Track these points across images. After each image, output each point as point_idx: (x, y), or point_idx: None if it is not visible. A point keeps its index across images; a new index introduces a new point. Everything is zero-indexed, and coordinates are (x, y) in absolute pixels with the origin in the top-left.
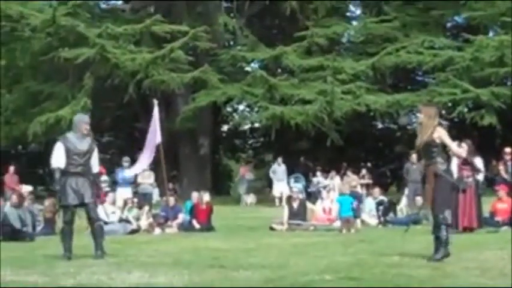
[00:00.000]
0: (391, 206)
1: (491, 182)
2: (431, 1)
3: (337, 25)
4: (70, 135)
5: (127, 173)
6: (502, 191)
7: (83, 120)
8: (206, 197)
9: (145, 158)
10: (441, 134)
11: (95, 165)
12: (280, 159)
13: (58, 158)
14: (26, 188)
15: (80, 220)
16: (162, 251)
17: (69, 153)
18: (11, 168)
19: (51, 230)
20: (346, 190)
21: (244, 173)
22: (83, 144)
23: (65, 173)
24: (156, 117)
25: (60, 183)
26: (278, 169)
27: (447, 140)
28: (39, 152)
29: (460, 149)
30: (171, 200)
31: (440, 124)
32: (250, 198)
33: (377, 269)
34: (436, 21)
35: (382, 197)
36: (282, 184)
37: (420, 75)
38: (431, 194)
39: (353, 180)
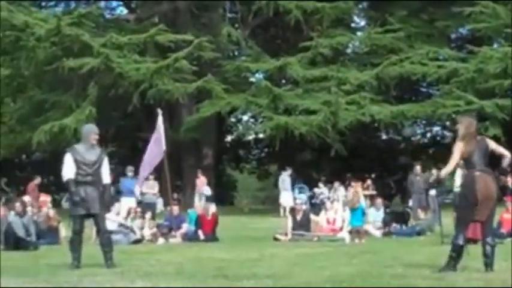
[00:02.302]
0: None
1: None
2: (436, 12)
3: (342, 36)
4: (79, 146)
5: (136, 189)
6: (508, 202)
7: (91, 131)
8: (212, 208)
9: (146, 168)
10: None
11: (106, 176)
12: (289, 169)
13: (68, 170)
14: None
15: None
16: (165, 261)
17: (77, 163)
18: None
19: (54, 239)
20: (357, 204)
21: (201, 186)
22: (92, 155)
23: (75, 182)
24: (160, 126)
25: (70, 192)
26: (286, 179)
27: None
28: (43, 161)
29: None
30: (175, 210)
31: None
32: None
33: (380, 280)
34: (441, 33)
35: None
36: (289, 194)
37: (424, 86)
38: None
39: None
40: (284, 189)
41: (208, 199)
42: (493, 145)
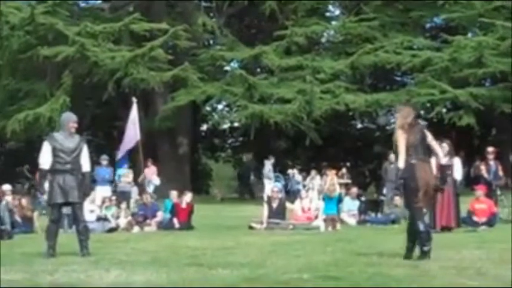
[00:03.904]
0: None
1: (473, 181)
2: (411, 2)
3: (317, 25)
4: (57, 134)
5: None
6: (479, 191)
7: (70, 119)
8: (188, 198)
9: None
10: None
11: (86, 164)
12: (271, 158)
13: (44, 158)
14: (5, 187)
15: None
16: (141, 249)
17: (55, 151)
18: None
19: (29, 228)
20: (334, 193)
21: (151, 175)
22: (71, 142)
23: (52, 171)
24: (135, 115)
25: (48, 181)
26: (268, 168)
27: None
28: (17, 150)
29: None
30: (148, 198)
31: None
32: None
33: (355, 268)
34: (415, 22)
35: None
36: (271, 182)
37: (399, 75)
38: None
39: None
40: (267, 177)
41: (157, 189)
42: (430, 137)
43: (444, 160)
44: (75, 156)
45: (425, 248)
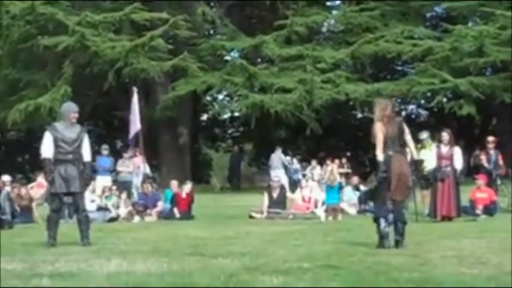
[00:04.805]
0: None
1: (473, 170)
2: None
3: (317, 14)
4: (58, 124)
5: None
6: (480, 181)
7: (71, 109)
8: (187, 188)
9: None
10: None
11: (87, 154)
12: (278, 147)
13: (46, 148)
14: (5, 178)
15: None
16: (141, 239)
17: (57, 141)
18: None
19: (29, 218)
20: (334, 182)
21: (139, 164)
22: (72, 133)
23: (54, 161)
24: (135, 105)
25: (45, 171)
26: (273, 157)
27: None
28: (18, 140)
29: None
30: (148, 188)
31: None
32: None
33: (355, 258)
34: (416, 11)
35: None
36: (277, 172)
37: (399, 64)
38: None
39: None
40: (274, 167)
41: (148, 178)
42: (406, 132)
43: (416, 155)
44: (76, 147)
45: (384, 243)
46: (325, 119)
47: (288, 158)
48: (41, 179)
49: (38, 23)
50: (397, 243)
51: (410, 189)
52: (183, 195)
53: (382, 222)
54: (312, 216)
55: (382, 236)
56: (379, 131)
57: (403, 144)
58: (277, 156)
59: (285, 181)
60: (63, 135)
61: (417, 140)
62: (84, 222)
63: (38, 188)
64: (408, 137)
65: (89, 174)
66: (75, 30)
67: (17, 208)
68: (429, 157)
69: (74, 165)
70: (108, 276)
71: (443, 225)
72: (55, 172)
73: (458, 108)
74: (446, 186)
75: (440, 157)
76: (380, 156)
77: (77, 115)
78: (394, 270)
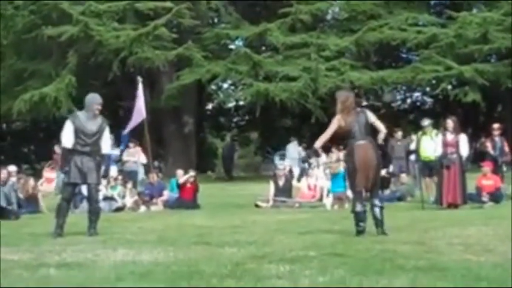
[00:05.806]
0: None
1: (479, 157)
2: None
3: (321, 2)
4: (80, 114)
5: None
6: (486, 168)
7: (94, 101)
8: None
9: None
10: None
11: (106, 146)
12: (293, 138)
13: (67, 137)
14: (11, 168)
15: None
16: (147, 229)
17: (77, 132)
18: None
19: (35, 209)
20: (337, 169)
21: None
22: (93, 125)
23: (71, 151)
24: (140, 94)
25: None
26: (290, 147)
27: None
28: (23, 130)
29: None
30: (154, 177)
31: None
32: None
33: (361, 246)
34: None
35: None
36: (290, 162)
37: (404, 52)
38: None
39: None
40: (292, 158)
41: (145, 167)
42: (372, 118)
43: (384, 131)
44: (95, 139)
45: (360, 228)
46: (330, 106)
47: (300, 148)
48: (47, 174)
49: (42, 13)
50: (376, 226)
51: (376, 180)
52: (188, 184)
53: (358, 206)
54: (318, 204)
55: (358, 220)
56: (334, 123)
57: (369, 133)
58: (293, 147)
59: (297, 171)
60: (84, 126)
61: (419, 127)
62: (95, 214)
63: (47, 183)
64: (376, 121)
65: (107, 166)
66: (79, 20)
67: (22, 197)
68: (430, 144)
69: (90, 157)
70: (114, 266)
71: (449, 213)
72: (71, 162)
73: (463, 95)
74: (452, 174)
75: (446, 144)
76: (317, 144)
77: (100, 107)
78: (400, 258)
